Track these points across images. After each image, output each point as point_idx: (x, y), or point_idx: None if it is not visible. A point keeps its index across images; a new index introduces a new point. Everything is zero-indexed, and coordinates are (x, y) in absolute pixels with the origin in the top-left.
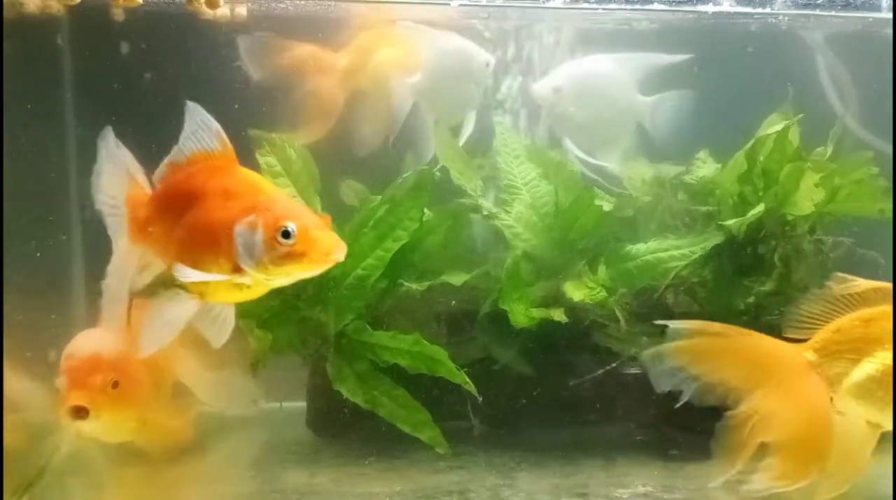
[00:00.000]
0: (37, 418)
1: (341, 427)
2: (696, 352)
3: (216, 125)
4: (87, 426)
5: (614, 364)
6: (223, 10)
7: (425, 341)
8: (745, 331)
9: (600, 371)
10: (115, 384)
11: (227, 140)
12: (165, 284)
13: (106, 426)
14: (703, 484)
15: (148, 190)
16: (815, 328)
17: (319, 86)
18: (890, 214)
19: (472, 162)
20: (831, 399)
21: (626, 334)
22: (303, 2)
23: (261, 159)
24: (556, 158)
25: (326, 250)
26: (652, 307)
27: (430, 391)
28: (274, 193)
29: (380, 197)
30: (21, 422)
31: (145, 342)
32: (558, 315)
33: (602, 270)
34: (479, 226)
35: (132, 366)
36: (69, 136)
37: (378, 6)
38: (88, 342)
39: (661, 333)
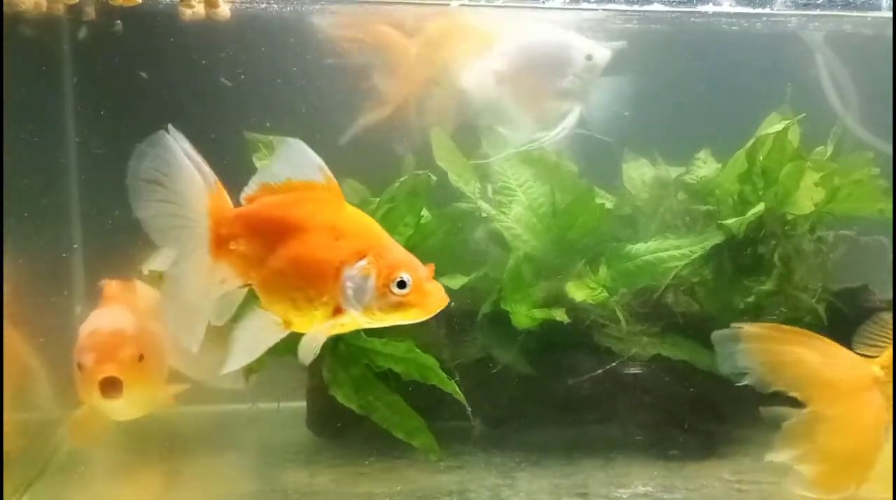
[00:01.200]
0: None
1: (341, 427)
2: (767, 340)
3: (319, 161)
4: (113, 403)
5: (614, 364)
6: (223, 10)
7: (418, 349)
8: (818, 335)
9: (600, 371)
10: (141, 357)
11: (331, 175)
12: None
13: (132, 402)
14: (702, 484)
15: (229, 204)
16: (885, 346)
17: (392, 65)
18: (890, 215)
19: (469, 164)
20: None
21: (627, 333)
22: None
23: (257, 163)
24: (552, 159)
25: (436, 303)
26: (652, 307)
27: (432, 391)
28: (384, 236)
29: (378, 199)
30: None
31: (228, 363)
32: (560, 316)
33: (602, 270)
34: (479, 228)
35: (152, 340)
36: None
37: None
38: (108, 319)
39: (661, 332)
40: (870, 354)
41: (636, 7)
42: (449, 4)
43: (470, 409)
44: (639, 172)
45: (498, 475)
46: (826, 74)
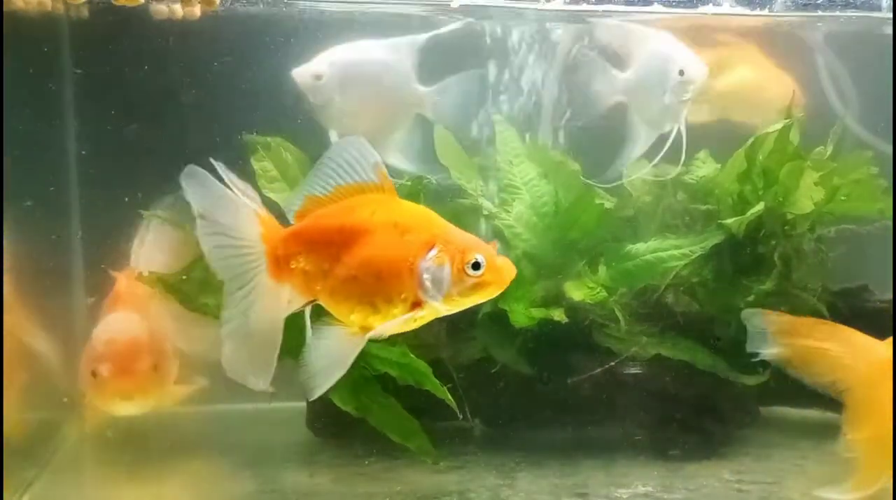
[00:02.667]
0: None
1: (341, 427)
2: (792, 327)
3: (377, 158)
4: (127, 407)
5: (613, 363)
6: (194, 10)
7: (412, 355)
8: (837, 324)
9: (599, 370)
10: (156, 367)
11: (386, 173)
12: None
13: (143, 407)
14: (702, 484)
15: (278, 225)
16: None
17: None
18: (890, 215)
19: (472, 162)
20: None
21: (627, 333)
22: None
23: (256, 165)
24: (557, 157)
25: (508, 276)
26: (652, 307)
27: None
28: (445, 224)
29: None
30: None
31: (317, 384)
32: (558, 315)
33: (602, 269)
34: (479, 225)
35: (164, 346)
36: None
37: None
38: (124, 326)
39: (661, 332)
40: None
41: (636, 7)
42: (450, 4)
43: (468, 410)
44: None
45: (498, 475)
46: (826, 74)
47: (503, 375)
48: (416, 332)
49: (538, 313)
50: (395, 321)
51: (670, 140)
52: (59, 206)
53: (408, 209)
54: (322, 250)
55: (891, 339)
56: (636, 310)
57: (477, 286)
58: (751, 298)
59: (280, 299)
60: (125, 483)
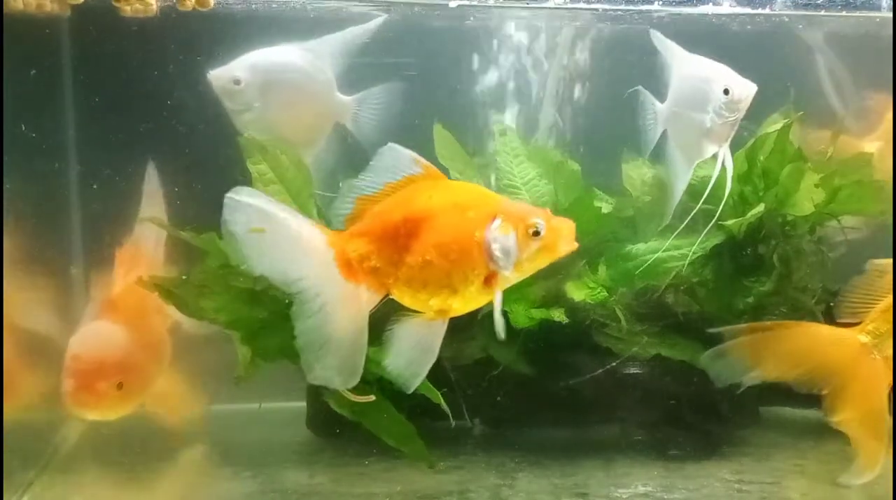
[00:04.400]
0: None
1: (341, 427)
2: (755, 346)
3: (411, 153)
4: (94, 417)
5: (614, 364)
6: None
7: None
8: (796, 323)
9: (600, 371)
10: (120, 386)
11: (427, 163)
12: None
13: (108, 418)
14: (702, 484)
15: (334, 230)
16: (866, 312)
17: None
18: (890, 215)
19: (473, 162)
20: None
21: (627, 333)
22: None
23: (252, 168)
24: (556, 157)
25: (570, 235)
26: (652, 307)
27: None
28: (499, 196)
29: None
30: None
31: (410, 376)
32: (559, 315)
33: (602, 269)
34: None
35: (136, 360)
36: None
37: None
38: (93, 341)
39: (661, 332)
40: (855, 322)
41: (636, 7)
42: (447, 4)
43: (468, 410)
44: (638, 172)
45: (498, 475)
46: (826, 75)
47: (503, 375)
48: None
49: (538, 313)
50: (497, 307)
51: (719, 164)
52: (58, 208)
53: (461, 188)
54: (390, 244)
55: (859, 325)
56: (636, 310)
57: (542, 249)
58: (750, 298)
59: (358, 299)
60: (125, 483)
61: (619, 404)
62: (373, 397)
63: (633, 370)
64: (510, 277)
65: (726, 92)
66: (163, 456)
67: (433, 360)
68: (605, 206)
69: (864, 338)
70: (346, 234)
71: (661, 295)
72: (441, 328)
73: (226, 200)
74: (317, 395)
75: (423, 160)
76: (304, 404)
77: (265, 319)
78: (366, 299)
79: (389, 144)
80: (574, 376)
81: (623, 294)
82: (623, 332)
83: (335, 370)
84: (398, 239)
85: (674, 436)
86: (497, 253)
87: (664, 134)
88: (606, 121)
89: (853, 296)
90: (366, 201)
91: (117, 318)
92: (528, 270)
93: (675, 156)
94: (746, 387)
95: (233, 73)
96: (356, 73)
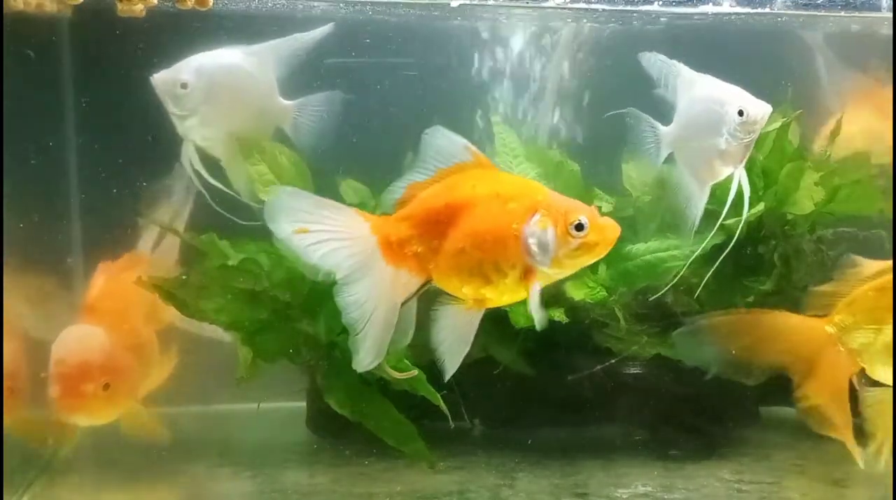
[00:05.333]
0: None
1: (341, 427)
2: (726, 327)
3: (463, 140)
4: (82, 421)
5: (613, 362)
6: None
7: (406, 361)
8: (769, 310)
9: (599, 367)
10: (106, 386)
11: (477, 151)
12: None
13: (96, 421)
14: (702, 484)
15: (377, 215)
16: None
17: None
18: (890, 215)
19: None
20: (862, 369)
21: (627, 333)
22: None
23: (251, 168)
24: (556, 158)
25: (612, 235)
26: (652, 307)
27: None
28: (546, 190)
29: (374, 203)
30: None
31: (446, 363)
32: (559, 315)
33: (602, 269)
34: None
35: (121, 361)
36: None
37: None
38: (77, 344)
39: (661, 332)
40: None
41: (636, 7)
42: (448, 4)
43: (468, 410)
44: (638, 172)
45: (498, 475)
46: (826, 75)
47: (503, 375)
48: (416, 331)
49: None
50: (534, 303)
51: (734, 185)
52: (58, 211)
53: (508, 179)
54: (431, 229)
55: (827, 316)
56: (636, 310)
57: (583, 247)
58: (750, 298)
59: (399, 283)
60: (125, 484)
61: (619, 404)
62: (416, 372)
63: (633, 370)
64: (549, 272)
65: (741, 113)
66: (163, 456)
67: (466, 349)
68: (605, 206)
69: (831, 329)
70: (392, 218)
71: (661, 295)
72: (476, 318)
73: (265, 206)
74: (317, 395)
75: (473, 148)
76: (304, 404)
77: (265, 319)
78: (404, 283)
79: (442, 129)
80: (574, 376)
81: (623, 294)
82: (623, 332)
83: (362, 346)
84: (438, 225)
85: (674, 436)
86: (533, 247)
87: (670, 156)
88: (606, 121)
89: (825, 288)
90: (416, 187)
91: (97, 321)
92: (569, 267)
93: (686, 179)
94: (746, 387)
95: (180, 76)
96: (357, 73)
